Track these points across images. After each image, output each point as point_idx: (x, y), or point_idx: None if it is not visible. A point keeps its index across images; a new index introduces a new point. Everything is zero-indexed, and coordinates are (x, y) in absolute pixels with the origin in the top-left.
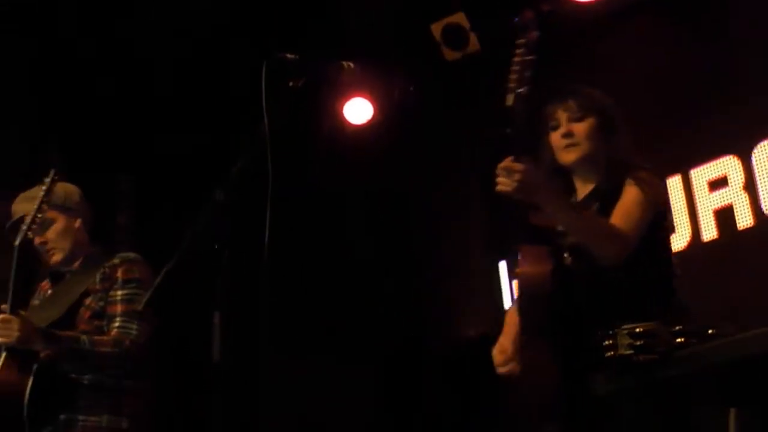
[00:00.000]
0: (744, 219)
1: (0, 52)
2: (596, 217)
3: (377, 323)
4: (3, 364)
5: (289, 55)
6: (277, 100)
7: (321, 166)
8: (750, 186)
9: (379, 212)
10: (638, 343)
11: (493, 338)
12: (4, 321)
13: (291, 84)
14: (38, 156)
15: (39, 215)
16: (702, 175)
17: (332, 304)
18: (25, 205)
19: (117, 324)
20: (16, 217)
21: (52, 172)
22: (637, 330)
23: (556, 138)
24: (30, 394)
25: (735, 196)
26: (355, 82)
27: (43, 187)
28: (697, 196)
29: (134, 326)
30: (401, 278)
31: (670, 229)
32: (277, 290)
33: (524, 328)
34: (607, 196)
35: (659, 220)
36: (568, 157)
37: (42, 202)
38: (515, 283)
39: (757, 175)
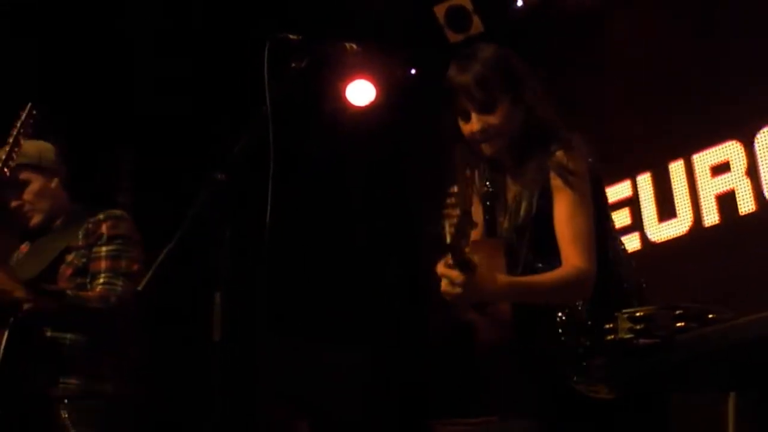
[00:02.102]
0: (746, 204)
1: (1, 32)
2: (554, 279)
3: (377, 305)
4: None
5: (291, 36)
6: (280, 81)
7: (323, 147)
8: (752, 171)
9: (381, 194)
10: (638, 327)
11: None
12: None
13: (293, 65)
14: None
15: (15, 149)
16: (704, 160)
17: (332, 285)
18: None
19: (101, 280)
20: None
21: (29, 106)
22: (637, 314)
23: (468, 130)
24: (5, 350)
25: (737, 181)
26: (357, 63)
27: (19, 122)
28: (699, 181)
29: (119, 282)
30: (401, 260)
31: (604, 197)
32: (277, 271)
33: None
34: (538, 214)
35: (595, 198)
36: (486, 150)
37: (18, 133)
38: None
39: (759, 160)
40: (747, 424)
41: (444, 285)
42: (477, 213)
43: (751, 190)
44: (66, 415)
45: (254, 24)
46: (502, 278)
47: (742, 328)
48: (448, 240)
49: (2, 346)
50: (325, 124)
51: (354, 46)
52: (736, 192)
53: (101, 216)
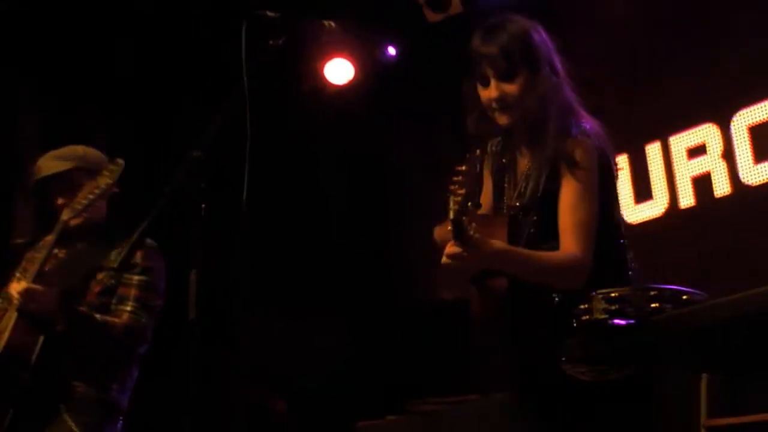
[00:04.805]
0: (721, 187)
1: None
2: (548, 258)
3: (353, 283)
4: (14, 324)
5: (269, 13)
6: (257, 59)
7: (300, 125)
8: (728, 154)
9: (357, 172)
10: (613, 307)
11: (468, 302)
12: (30, 291)
13: (271, 42)
14: (16, 110)
15: (94, 200)
16: (681, 142)
17: (309, 262)
18: (53, 163)
19: (129, 308)
20: (41, 174)
21: (122, 163)
22: (612, 294)
23: (485, 97)
24: (37, 358)
25: (713, 164)
26: (336, 42)
27: (108, 174)
28: (675, 163)
29: (144, 315)
30: (378, 239)
31: (615, 186)
32: (253, 247)
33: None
34: (544, 194)
35: (605, 182)
36: (501, 120)
37: (109, 186)
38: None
39: (735, 143)
40: (718, 405)
41: (444, 258)
42: (488, 185)
43: (726, 173)
44: (69, 418)
45: (232, 0)
46: (498, 243)
47: (714, 309)
48: (451, 215)
49: (35, 355)
50: (303, 103)
51: (332, 23)
52: (712, 175)
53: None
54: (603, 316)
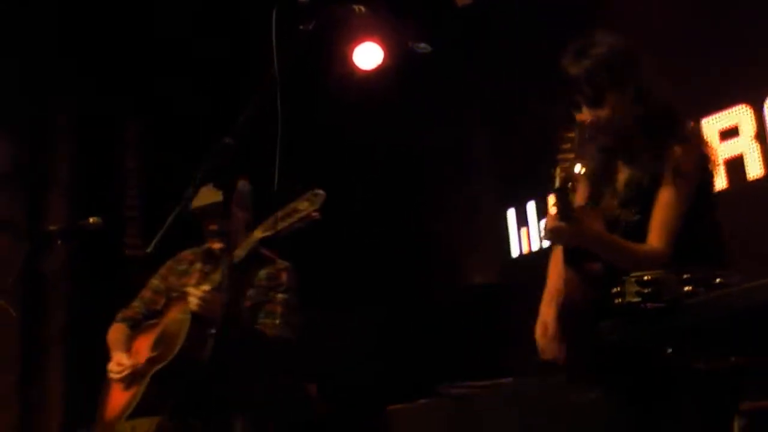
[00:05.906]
0: (754, 169)
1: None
2: (636, 248)
3: (385, 269)
4: (190, 327)
5: None
6: (287, 44)
7: (330, 111)
8: (761, 136)
9: (388, 158)
10: (646, 290)
11: (499, 287)
12: (212, 295)
13: (301, 27)
14: (48, 100)
15: (294, 222)
16: (713, 124)
17: (340, 250)
18: (209, 193)
19: (277, 322)
20: (199, 204)
21: (324, 194)
22: (645, 278)
23: (580, 120)
24: (209, 360)
25: (746, 145)
26: (365, 26)
27: (309, 203)
28: None
29: (288, 331)
30: (409, 225)
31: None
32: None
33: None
34: (645, 193)
35: (705, 181)
36: (599, 140)
37: (305, 216)
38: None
39: None
40: (753, 388)
41: (544, 232)
42: (583, 190)
43: (760, 155)
44: (240, 424)
45: None
46: (597, 224)
47: (749, 293)
48: (557, 184)
49: (206, 358)
50: (333, 88)
51: (362, 8)
52: (745, 157)
53: (281, 266)
54: (636, 299)
